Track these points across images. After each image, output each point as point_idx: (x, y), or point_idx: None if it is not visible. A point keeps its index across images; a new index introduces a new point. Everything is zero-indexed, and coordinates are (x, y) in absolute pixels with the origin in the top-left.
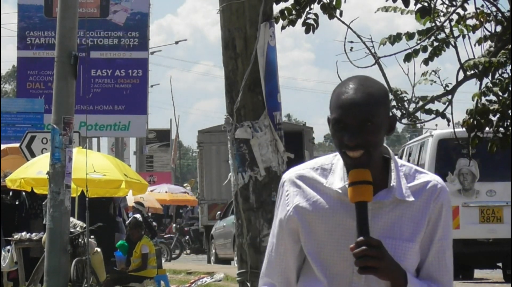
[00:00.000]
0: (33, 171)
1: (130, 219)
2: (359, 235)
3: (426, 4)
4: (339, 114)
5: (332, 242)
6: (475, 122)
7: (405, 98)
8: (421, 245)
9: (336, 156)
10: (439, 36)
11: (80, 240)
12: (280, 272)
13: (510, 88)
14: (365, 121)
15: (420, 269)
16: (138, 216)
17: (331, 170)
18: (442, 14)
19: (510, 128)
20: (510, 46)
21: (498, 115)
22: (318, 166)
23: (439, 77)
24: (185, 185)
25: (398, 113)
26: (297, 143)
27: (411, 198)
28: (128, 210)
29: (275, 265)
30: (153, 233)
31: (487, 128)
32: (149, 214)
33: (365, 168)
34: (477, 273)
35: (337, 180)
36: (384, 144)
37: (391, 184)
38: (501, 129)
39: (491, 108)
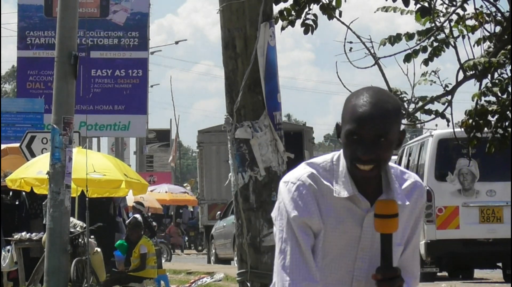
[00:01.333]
0: (33, 171)
1: (130, 219)
2: (383, 263)
3: (426, 4)
4: (355, 128)
5: (337, 249)
6: (473, 123)
7: (405, 99)
8: None
9: (332, 160)
10: (438, 37)
11: (80, 240)
12: (311, 267)
13: (509, 89)
14: (380, 136)
15: None
16: (138, 216)
17: (333, 176)
18: (441, 14)
19: (509, 129)
20: (509, 47)
21: (496, 116)
22: (321, 170)
23: (438, 78)
24: (185, 185)
25: None
26: (297, 143)
27: (407, 202)
28: (128, 210)
29: (305, 263)
30: (152, 233)
31: (485, 129)
32: (149, 214)
33: (373, 180)
34: (477, 273)
35: (343, 188)
36: None
37: (389, 188)
38: (500, 131)
39: (490, 109)
